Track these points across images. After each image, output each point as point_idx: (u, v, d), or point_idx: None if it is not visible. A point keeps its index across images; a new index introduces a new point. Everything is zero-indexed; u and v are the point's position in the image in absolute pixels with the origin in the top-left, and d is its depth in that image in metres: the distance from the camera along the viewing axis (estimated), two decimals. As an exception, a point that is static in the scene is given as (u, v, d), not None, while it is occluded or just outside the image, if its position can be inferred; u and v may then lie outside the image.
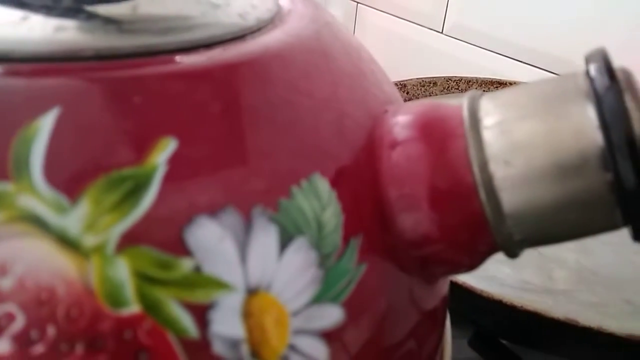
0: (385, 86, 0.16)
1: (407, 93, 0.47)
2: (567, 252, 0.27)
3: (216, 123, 0.10)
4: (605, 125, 0.11)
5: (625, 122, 0.11)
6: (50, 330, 0.08)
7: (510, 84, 0.48)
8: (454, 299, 0.26)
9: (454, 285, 0.24)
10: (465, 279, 0.25)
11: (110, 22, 0.11)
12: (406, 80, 0.47)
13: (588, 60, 0.12)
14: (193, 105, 0.10)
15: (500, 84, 0.48)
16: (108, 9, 0.12)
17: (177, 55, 0.11)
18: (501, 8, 0.57)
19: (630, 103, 0.11)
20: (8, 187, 0.09)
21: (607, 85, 0.11)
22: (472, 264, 0.14)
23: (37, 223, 0.09)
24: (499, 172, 0.12)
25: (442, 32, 0.64)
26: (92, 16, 0.12)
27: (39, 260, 0.09)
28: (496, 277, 0.26)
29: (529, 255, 0.27)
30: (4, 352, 0.08)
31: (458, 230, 0.13)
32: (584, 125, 0.11)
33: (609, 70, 0.11)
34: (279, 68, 0.12)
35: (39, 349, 0.08)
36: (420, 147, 0.13)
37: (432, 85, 0.49)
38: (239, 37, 0.13)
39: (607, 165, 0.11)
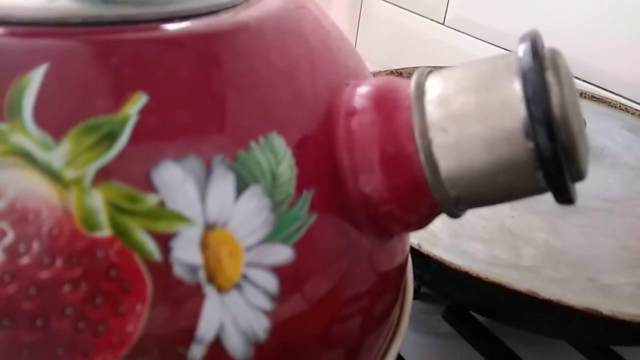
0: (350, 62, 0.17)
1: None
2: (537, 232, 0.29)
3: (184, 83, 0.12)
4: (527, 99, 0.13)
5: (545, 97, 0.12)
6: (35, 245, 0.10)
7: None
8: (428, 272, 0.28)
9: (427, 258, 0.26)
10: (438, 252, 0.26)
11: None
12: (403, 69, 0.49)
13: (520, 41, 0.13)
14: (164, 67, 0.12)
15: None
16: (97, -17, 0.13)
17: (153, 24, 0.13)
18: (501, 1, 0.58)
19: (551, 79, 0.13)
20: (3, 126, 0.10)
21: (531, 64, 0.13)
22: (419, 222, 0.15)
23: (27, 157, 0.10)
24: (437, 138, 0.13)
25: (443, 24, 0.66)
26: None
27: (27, 187, 0.10)
28: (468, 252, 0.27)
29: (501, 233, 0.29)
30: (-4, 261, 0.10)
31: (403, 191, 0.14)
32: (511, 99, 0.13)
33: (534, 50, 0.13)
34: (246, 40, 0.14)
35: (25, 260, 0.10)
36: (372, 115, 0.14)
37: (428, 74, 0.50)
38: (213, 11, 0.14)
39: (528, 134, 0.13)
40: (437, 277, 0.28)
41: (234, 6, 0.15)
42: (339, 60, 0.16)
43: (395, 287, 0.19)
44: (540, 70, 0.13)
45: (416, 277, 0.25)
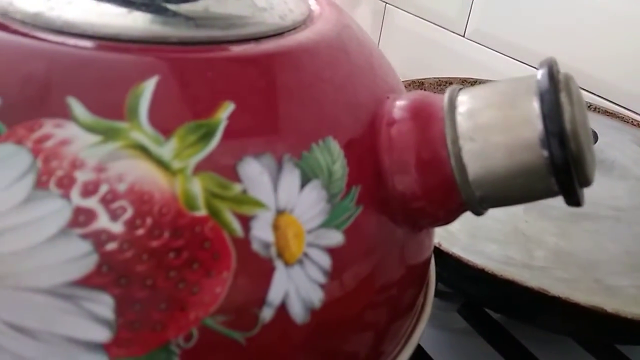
0: (389, 78, 0.20)
1: (425, 90, 0.51)
2: (549, 235, 0.31)
3: (261, 94, 0.15)
4: (544, 115, 0.15)
5: (558, 114, 0.15)
6: (148, 220, 0.13)
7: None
8: (447, 269, 0.30)
9: (446, 255, 0.28)
10: (456, 251, 0.29)
11: (188, 18, 0.16)
12: (424, 79, 0.51)
13: (539, 66, 0.16)
14: (245, 81, 0.15)
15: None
16: (187, 8, 0.16)
17: (235, 45, 0.15)
18: (521, 16, 0.60)
19: (564, 99, 0.15)
20: (124, 125, 0.13)
21: (548, 86, 0.15)
22: (446, 218, 0.18)
23: (143, 150, 0.13)
24: (466, 146, 0.16)
25: (463, 36, 0.68)
26: (176, 14, 0.16)
27: (143, 174, 0.13)
28: (484, 252, 0.30)
29: (515, 236, 0.31)
30: (118, 232, 0.13)
31: (435, 190, 0.17)
32: (530, 115, 0.15)
33: (551, 75, 0.15)
34: (307, 59, 0.16)
35: (140, 231, 0.13)
36: (410, 125, 0.17)
37: (448, 84, 0.53)
38: (279, 33, 0.17)
39: (544, 145, 0.15)
40: (454, 274, 0.30)
41: (294, 28, 0.18)
42: (380, 75, 0.19)
43: (421, 279, 0.21)
44: (555, 92, 0.15)
45: (435, 274, 0.27)
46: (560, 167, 0.15)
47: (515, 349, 0.31)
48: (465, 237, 0.31)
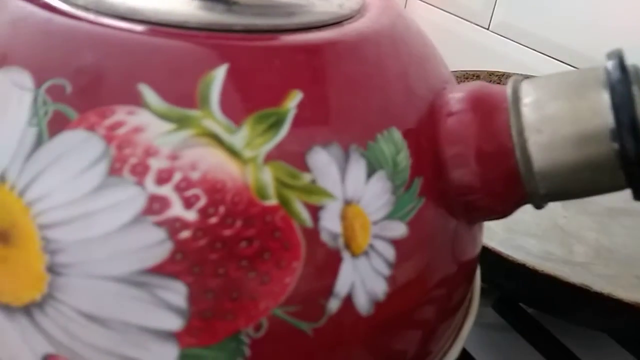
0: (442, 68, 0.19)
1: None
2: (588, 231, 0.30)
3: (327, 83, 0.15)
4: (615, 107, 0.15)
5: (631, 106, 0.14)
6: (221, 209, 0.13)
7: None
8: (484, 263, 0.30)
9: (485, 250, 0.28)
10: (494, 245, 0.28)
11: (249, 6, 0.16)
12: (451, 72, 0.51)
13: (608, 57, 0.16)
14: (311, 69, 0.14)
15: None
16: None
17: (298, 33, 0.15)
18: (546, 9, 0.60)
19: (636, 92, 0.15)
20: (196, 113, 0.13)
21: (620, 77, 0.15)
22: (504, 212, 0.18)
23: (215, 138, 0.13)
24: (532, 137, 0.16)
25: (488, 29, 0.67)
26: (236, 2, 0.16)
27: (216, 162, 0.13)
28: (523, 246, 0.29)
29: (553, 231, 0.31)
30: (192, 220, 0.13)
31: (496, 183, 0.16)
32: (600, 106, 0.15)
33: (622, 66, 0.15)
34: (369, 48, 0.16)
35: (213, 220, 0.13)
36: (470, 116, 0.17)
37: (475, 78, 0.52)
38: (338, 22, 0.17)
39: (614, 138, 0.15)
40: (492, 269, 0.30)
41: (351, 17, 0.17)
42: (434, 65, 0.19)
43: (471, 276, 0.21)
44: (627, 83, 0.15)
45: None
46: (632, 160, 0.15)
47: (551, 344, 0.31)
48: (503, 231, 0.31)
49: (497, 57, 0.66)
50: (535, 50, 0.62)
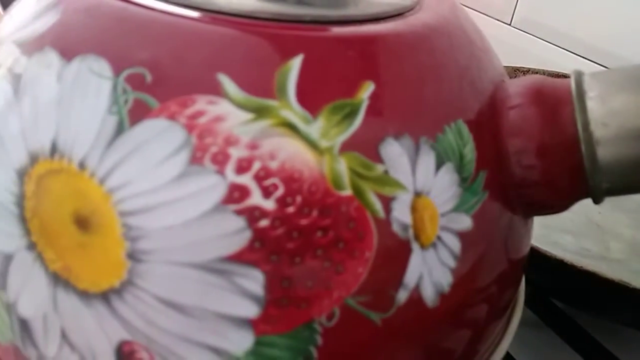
0: (497, 61, 0.19)
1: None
2: (624, 228, 0.30)
3: (397, 75, 0.15)
4: (684, 101, 0.15)
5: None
6: (298, 198, 0.13)
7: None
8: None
9: (521, 246, 0.28)
10: (532, 242, 0.28)
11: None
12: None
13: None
14: (382, 60, 0.15)
15: (565, 78, 0.51)
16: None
17: (367, 24, 0.15)
18: (569, 4, 0.59)
19: None
20: (274, 103, 0.13)
21: (689, 72, 0.15)
22: (563, 206, 0.18)
23: (292, 128, 0.13)
24: (598, 131, 0.16)
25: (510, 24, 0.67)
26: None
27: (293, 152, 0.13)
28: (559, 242, 0.29)
29: (589, 227, 0.31)
30: (270, 209, 0.13)
31: (559, 177, 0.16)
32: (668, 100, 0.15)
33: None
34: (434, 39, 0.16)
35: (291, 209, 0.13)
36: (533, 109, 0.17)
37: (500, 73, 0.52)
38: (401, 13, 0.17)
39: (682, 132, 0.15)
40: (527, 264, 0.30)
41: (412, 9, 0.17)
42: (492, 58, 0.19)
43: (519, 277, 0.21)
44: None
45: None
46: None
47: (584, 340, 0.31)
48: (539, 227, 0.30)
49: (519, 53, 0.66)
50: (557, 46, 0.61)
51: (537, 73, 0.52)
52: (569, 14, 0.59)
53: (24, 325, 0.14)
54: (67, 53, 0.14)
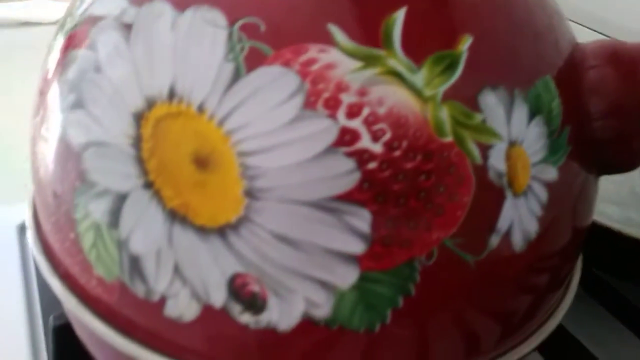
0: (568, 23, 0.20)
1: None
2: (670, 199, 0.31)
3: (494, 28, 0.15)
4: None
5: None
6: (404, 143, 0.14)
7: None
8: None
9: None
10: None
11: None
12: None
13: None
14: (479, 14, 0.15)
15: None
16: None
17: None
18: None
19: None
20: (381, 52, 0.14)
21: None
22: (634, 165, 0.18)
23: (398, 76, 0.14)
24: None
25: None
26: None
27: (399, 99, 0.14)
28: (604, 212, 0.30)
29: (632, 198, 0.31)
30: (378, 152, 0.13)
31: (634, 137, 0.17)
32: None
33: None
34: (522, -2, 0.17)
35: (397, 153, 0.13)
36: (610, 70, 0.17)
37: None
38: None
39: None
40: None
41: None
42: (565, 21, 0.19)
43: (579, 249, 0.21)
44: None
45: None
46: None
47: (629, 311, 0.31)
48: (587, 197, 0.31)
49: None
50: (584, 26, 0.61)
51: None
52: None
53: (135, 262, 0.15)
54: (180, 4, 0.15)
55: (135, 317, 0.16)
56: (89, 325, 0.17)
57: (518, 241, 0.15)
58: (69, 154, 0.16)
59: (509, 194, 0.15)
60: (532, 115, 0.15)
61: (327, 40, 0.14)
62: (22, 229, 0.37)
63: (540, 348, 0.20)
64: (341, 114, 0.13)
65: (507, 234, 0.15)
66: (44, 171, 0.17)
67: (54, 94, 0.17)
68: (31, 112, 0.19)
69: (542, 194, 0.15)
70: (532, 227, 0.15)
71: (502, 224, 0.15)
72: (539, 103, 0.15)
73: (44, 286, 0.33)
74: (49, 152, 0.17)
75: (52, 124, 0.17)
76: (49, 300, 0.32)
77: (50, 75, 0.18)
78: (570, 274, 0.21)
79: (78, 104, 0.16)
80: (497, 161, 0.14)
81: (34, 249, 0.19)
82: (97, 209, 0.15)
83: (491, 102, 0.14)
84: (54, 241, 0.18)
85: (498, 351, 0.17)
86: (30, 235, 0.20)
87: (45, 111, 0.17)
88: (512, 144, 0.15)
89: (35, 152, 0.18)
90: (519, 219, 0.15)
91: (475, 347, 0.16)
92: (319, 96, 0.13)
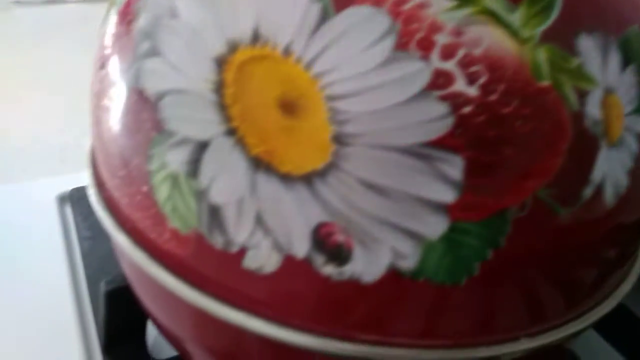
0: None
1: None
2: None
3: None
4: None
5: None
6: (501, 87, 0.13)
7: None
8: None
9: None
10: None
11: None
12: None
13: None
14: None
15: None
16: None
17: None
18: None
19: None
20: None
21: None
22: None
23: (494, 16, 0.13)
24: None
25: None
26: None
27: (496, 40, 0.13)
28: None
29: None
30: (473, 95, 0.13)
31: None
32: None
33: None
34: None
35: (493, 97, 0.13)
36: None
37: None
38: None
39: None
40: None
41: None
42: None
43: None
44: None
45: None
46: None
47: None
48: None
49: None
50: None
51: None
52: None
53: (215, 212, 0.15)
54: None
55: (210, 270, 0.15)
56: (158, 279, 0.17)
57: (609, 194, 0.14)
58: (143, 104, 0.15)
59: (603, 144, 0.14)
60: (626, 63, 0.14)
61: (420, -22, 0.13)
62: (61, 199, 0.38)
63: (598, 326, 0.19)
64: (435, 56, 0.13)
65: (600, 187, 0.14)
66: (111, 125, 0.17)
67: (123, 44, 0.17)
68: (94, 66, 0.19)
69: (634, 146, 0.15)
70: (623, 180, 0.15)
71: (596, 175, 0.14)
72: (632, 51, 0.15)
73: (87, 254, 0.33)
74: (117, 105, 0.17)
75: (121, 76, 0.16)
76: (96, 268, 0.32)
77: (114, 27, 0.17)
78: (630, 258, 0.20)
79: (153, 52, 0.15)
80: (593, 108, 0.14)
81: (96, 206, 0.19)
82: (175, 159, 0.15)
83: (588, 46, 0.14)
84: (122, 196, 0.18)
85: (559, 320, 0.16)
86: (92, 192, 0.20)
87: (113, 63, 0.17)
88: (608, 91, 0.14)
89: (100, 106, 0.18)
90: (612, 171, 0.14)
91: (538, 316, 0.16)
92: (412, 37, 0.13)
